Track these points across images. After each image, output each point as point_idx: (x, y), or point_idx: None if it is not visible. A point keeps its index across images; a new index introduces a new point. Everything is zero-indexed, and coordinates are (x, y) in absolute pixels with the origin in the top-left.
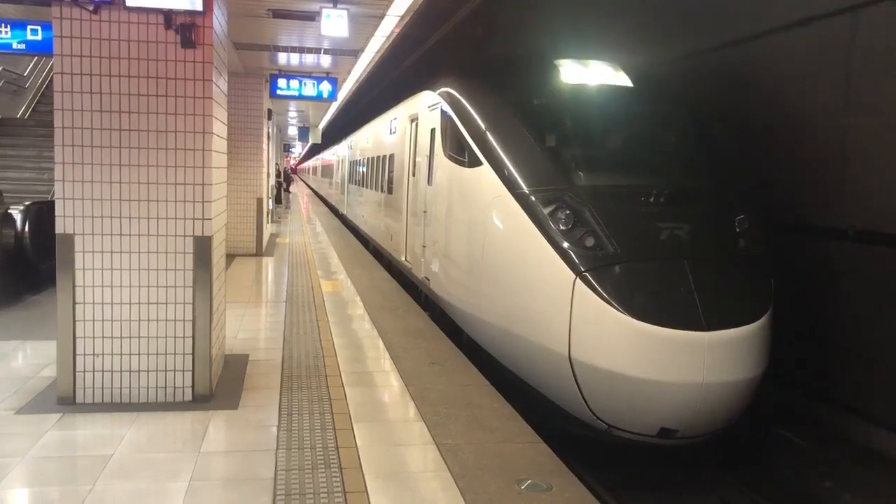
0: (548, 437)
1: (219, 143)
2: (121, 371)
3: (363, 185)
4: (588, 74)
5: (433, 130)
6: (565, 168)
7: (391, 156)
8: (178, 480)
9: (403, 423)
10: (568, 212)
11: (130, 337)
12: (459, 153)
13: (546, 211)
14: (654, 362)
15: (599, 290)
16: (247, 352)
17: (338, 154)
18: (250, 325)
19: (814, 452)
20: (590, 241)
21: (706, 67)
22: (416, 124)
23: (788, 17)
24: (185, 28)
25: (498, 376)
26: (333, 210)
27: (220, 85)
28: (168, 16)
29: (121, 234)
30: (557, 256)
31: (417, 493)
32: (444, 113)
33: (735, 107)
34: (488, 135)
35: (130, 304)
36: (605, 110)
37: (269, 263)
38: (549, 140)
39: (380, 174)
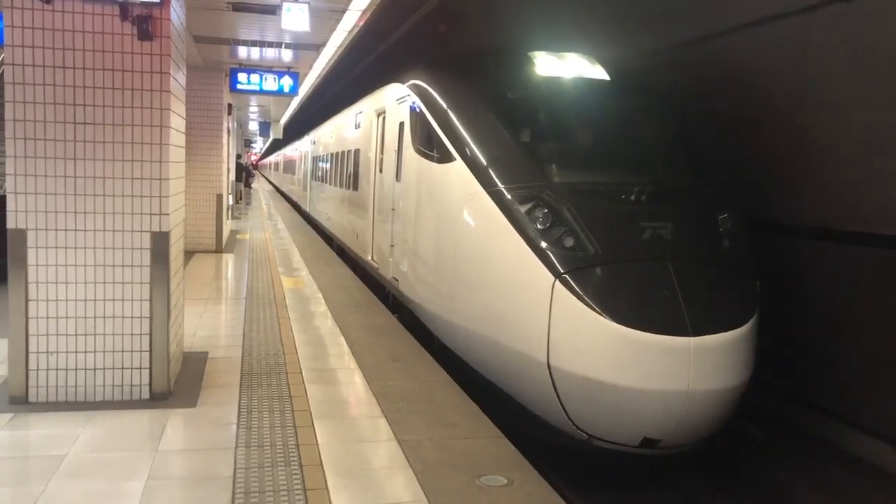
0: (511, 433)
1: (176, 138)
2: (76, 369)
3: (326, 182)
4: (564, 67)
5: (402, 124)
6: (542, 164)
7: (356, 151)
8: (135, 480)
9: (365, 420)
10: (546, 210)
11: (86, 334)
12: (430, 148)
13: (523, 209)
14: (638, 369)
15: (580, 292)
16: (206, 349)
17: (300, 150)
18: (209, 322)
19: (772, 445)
20: (569, 242)
21: (670, 64)
22: (384, 118)
23: (746, 17)
24: (142, 20)
25: (460, 373)
26: (295, 207)
27: (178, 78)
28: (124, 7)
29: (76, 230)
30: (535, 257)
31: (379, 490)
32: (413, 106)
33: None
34: (461, 129)
35: (86, 300)
36: (583, 104)
37: (228, 260)
38: (525, 135)
39: (344, 170)
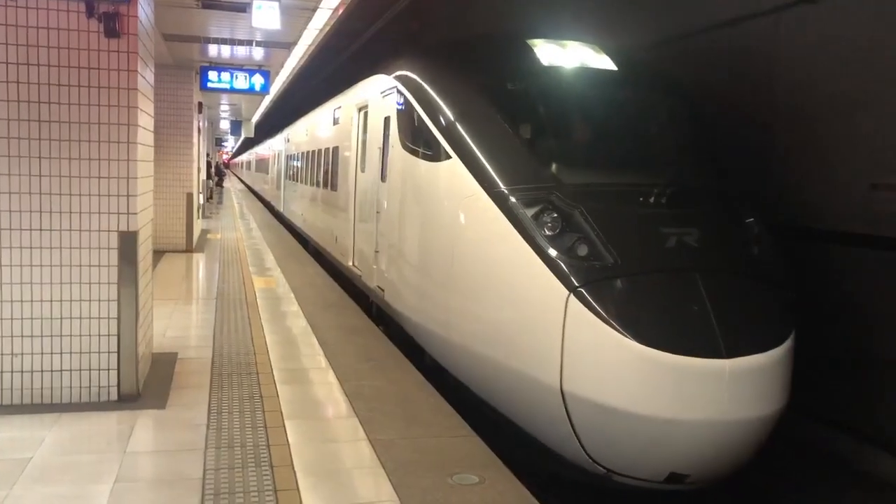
0: (483, 431)
1: (144, 136)
2: (42, 371)
3: (301, 181)
4: (567, 56)
5: (387, 119)
6: (549, 163)
7: (334, 149)
8: (103, 482)
9: (337, 420)
10: (555, 214)
11: (52, 335)
12: (421, 145)
13: (529, 213)
14: (664, 396)
15: (598, 308)
16: (176, 350)
17: (273, 148)
18: (179, 322)
19: None
20: (583, 250)
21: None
22: (366, 113)
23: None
24: (109, 17)
25: (433, 373)
26: (268, 206)
27: (145, 76)
28: (90, 4)
29: (41, 229)
30: (546, 268)
31: (350, 489)
32: (401, 99)
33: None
34: (457, 124)
35: (52, 301)
36: (592, 97)
37: (199, 260)
38: (529, 130)
39: (321, 169)
